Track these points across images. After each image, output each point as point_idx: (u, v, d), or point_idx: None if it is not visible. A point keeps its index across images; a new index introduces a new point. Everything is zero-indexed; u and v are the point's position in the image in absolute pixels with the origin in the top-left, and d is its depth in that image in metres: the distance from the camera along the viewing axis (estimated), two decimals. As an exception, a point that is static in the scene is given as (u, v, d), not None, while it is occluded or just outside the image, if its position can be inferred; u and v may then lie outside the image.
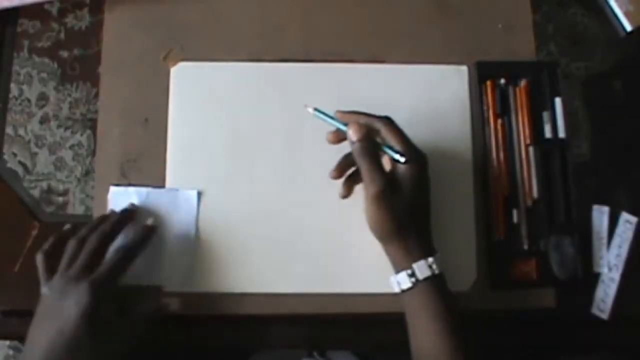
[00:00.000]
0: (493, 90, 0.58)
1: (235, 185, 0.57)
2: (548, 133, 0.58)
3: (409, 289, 0.48)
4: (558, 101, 0.58)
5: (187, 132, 0.57)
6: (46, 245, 0.52)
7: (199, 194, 0.56)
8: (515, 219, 0.56)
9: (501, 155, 0.57)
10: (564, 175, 0.57)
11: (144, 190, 0.56)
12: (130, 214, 0.54)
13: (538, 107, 0.58)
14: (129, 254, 0.51)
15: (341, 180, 0.53)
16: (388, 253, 0.50)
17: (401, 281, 0.48)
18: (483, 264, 0.56)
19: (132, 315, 0.51)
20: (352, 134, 0.48)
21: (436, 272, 0.48)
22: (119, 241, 0.52)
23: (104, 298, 0.48)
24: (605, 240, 0.57)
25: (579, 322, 0.56)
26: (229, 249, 0.55)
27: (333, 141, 0.52)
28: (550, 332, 0.56)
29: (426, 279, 0.47)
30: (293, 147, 0.57)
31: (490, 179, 0.57)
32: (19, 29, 0.60)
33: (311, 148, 0.57)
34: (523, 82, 0.59)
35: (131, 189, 0.56)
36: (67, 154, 0.57)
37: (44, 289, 0.49)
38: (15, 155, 0.57)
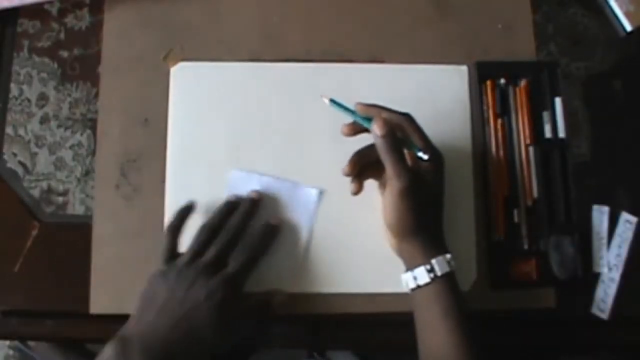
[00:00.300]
0: (493, 90, 0.58)
1: (235, 185, 0.57)
2: (548, 133, 0.58)
3: (426, 284, 0.48)
4: (558, 101, 0.58)
5: (187, 132, 0.57)
6: (174, 221, 0.52)
7: (321, 193, 0.56)
8: (515, 219, 0.56)
9: (501, 155, 0.57)
10: (564, 175, 0.57)
11: (265, 178, 0.56)
12: (257, 204, 0.54)
13: (538, 107, 0.58)
14: (258, 252, 0.52)
15: (346, 179, 0.52)
16: (404, 249, 0.50)
17: (419, 276, 0.48)
18: (483, 264, 0.56)
19: (248, 312, 0.51)
20: (378, 128, 0.47)
21: (454, 268, 0.48)
22: (247, 236, 0.53)
23: (234, 294, 0.49)
24: (605, 240, 0.57)
25: (579, 322, 0.56)
26: (229, 249, 0.55)
27: (348, 134, 0.51)
28: (550, 332, 0.56)
29: (443, 275, 0.47)
30: (293, 147, 0.57)
31: (490, 179, 0.57)
32: (19, 29, 0.60)
33: (311, 148, 0.57)
34: (523, 82, 0.59)
35: (254, 175, 0.56)
36: (67, 154, 0.57)
37: (164, 268, 0.50)
38: (15, 155, 0.57)
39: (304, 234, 0.55)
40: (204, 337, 0.47)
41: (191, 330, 0.47)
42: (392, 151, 0.47)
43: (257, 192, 0.55)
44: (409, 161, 0.49)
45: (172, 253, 0.51)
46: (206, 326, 0.47)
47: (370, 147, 0.50)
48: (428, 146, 0.49)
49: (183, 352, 0.47)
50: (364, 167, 0.52)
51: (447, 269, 0.48)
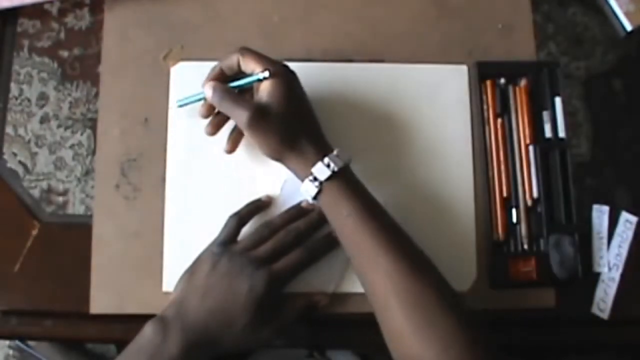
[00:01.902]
0: (493, 90, 0.58)
1: (235, 185, 0.56)
2: (548, 133, 0.58)
3: (318, 193, 0.48)
4: (558, 101, 0.58)
5: (187, 132, 0.57)
6: (243, 211, 0.54)
7: None
8: (515, 219, 0.56)
9: (501, 155, 0.57)
10: (564, 175, 0.57)
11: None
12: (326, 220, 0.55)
13: (538, 107, 0.58)
14: (311, 258, 0.53)
15: None
16: (288, 168, 0.50)
17: (308, 189, 0.48)
18: (483, 264, 0.56)
19: (285, 308, 0.52)
20: (207, 91, 0.50)
21: (335, 169, 0.47)
22: (307, 242, 0.53)
23: (276, 291, 0.50)
24: (605, 240, 0.57)
25: (579, 322, 0.56)
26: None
27: (204, 114, 0.53)
28: (550, 332, 0.56)
29: (328, 178, 0.47)
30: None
31: (490, 179, 0.57)
32: (19, 29, 0.60)
33: (311, 148, 0.57)
34: (523, 82, 0.59)
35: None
36: (67, 154, 0.57)
37: (217, 250, 0.51)
38: (15, 155, 0.57)
39: None
40: (238, 326, 0.48)
41: (227, 319, 0.48)
42: (225, 99, 0.49)
43: None
44: (250, 97, 0.51)
45: (230, 239, 0.52)
46: (242, 317, 0.48)
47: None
48: (270, 64, 0.49)
49: (218, 338, 0.48)
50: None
51: (328, 172, 0.47)
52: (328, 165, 0.48)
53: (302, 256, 0.52)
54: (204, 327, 0.48)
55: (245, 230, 0.54)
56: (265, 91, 0.49)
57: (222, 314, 0.48)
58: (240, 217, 0.53)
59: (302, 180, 0.49)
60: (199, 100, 0.53)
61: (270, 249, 0.51)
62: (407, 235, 0.48)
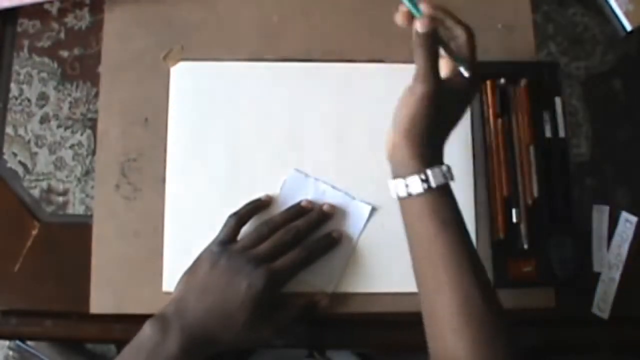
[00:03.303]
0: (493, 90, 0.58)
1: (235, 184, 0.57)
2: (548, 133, 0.58)
3: (418, 194, 0.45)
4: (558, 101, 0.58)
5: (187, 132, 0.57)
6: (242, 211, 0.54)
7: (373, 210, 0.56)
8: (515, 219, 0.56)
9: (501, 155, 0.57)
10: (564, 175, 0.57)
11: (322, 185, 0.56)
12: (328, 217, 0.55)
13: (538, 107, 0.58)
14: (311, 257, 0.53)
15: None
16: (399, 153, 0.46)
17: (411, 184, 0.45)
18: (483, 264, 0.56)
19: (286, 307, 0.52)
20: (420, 25, 0.44)
21: (450, 180, 0.45)
22: (306, 240, 0.53)
23: (275, 289, 0.50)
24: (605, 240, 0.57)
25: (579, 322, 0.56)
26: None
27: (402, 22, 0.46)
28: (550, 332, 0.56)
29: (438, 187, 0.45)
30: (294, 147, 0.57)
31: (490, 178, 0.57)
32: (19, 29, 0.60)
33: (312, 147, 0.57)
34: (523, 82, 0.59)
35: (310, 180, 0.56)
36: (67, 154, 0.57)
37: (216, 249, 0.51)
38: (15, 155, 0.57)
39: (350, 243, 0.55)
40: (237, 324, 0.48)
41: (226, 316, 0.48)
42: (426, 51, 0.45)
43: (331, 205, 0.55)
44: (445, 70, 0.47)
45: (229, 238, 0.52)
46: (240, 314, 0.48)
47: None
48: (474, 66, 0.47)
49: (217, 336, 0.48)
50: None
51: (442, 180, 0.45)
52: (445, 175, 0.45)
53: (301, 255, 0.52)
54: (203, 326, 0.48)
55: (245, 229, 0.54)
56: (457, 83, 0.46)
57: (220, 312, 0.48)
58: (240, 217, 0.53)
59: (402, 174, 0.46)
60: (408, 6, 0.45)
61: (270, 248, 0.51)
62: (481, 261, 0.46)
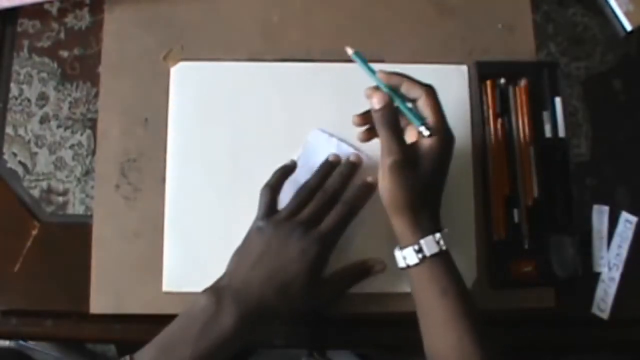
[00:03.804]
0: (493, 90, 0.58)
1: (235, 185, 0.57)
2: (548, 133, 0.58)
3: (416, 265, 0.47)
4: (558, 101, 0.58)
5: (187, 132, 0.57)
6: (272, 180, 0.53)
7: None
8: (515, 219, 0.56)
9: (501, 155, 0.57)
10: (564, 175, 0.57)
11: (344, 145, 0.56)
12: (357, 166, 0.55)
13: (538, 107, 0.58)
14: (353, 210, 0.52)
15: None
16: (395, 226, 0.48)
17: (407, 256, 0.47)
18: (483, 264, 0.56)
19: (337, 274, 0.52)
20: (376, 102, 0.48)
21: (443, 248, 0.47)
22: (343, 196, 0.53)
23: (327, 251, 0.50)
24: (605, 240, 0.57)
25: (579, 322, 0.56)
26: (226, 248, 0.55)
27: (359, 124, 0.52)
28: (550, 332, 0.56)
29: (433, 255, 0.46)
30: (293, 147, 0.57)
31: (490, 179, 0.57)
32: (19, 29, 0.60)
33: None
34: (523, 82, 0.59)
35: (333, 139, 0.56)
36: (67, 154, 0.57)
37: (261, 223, 0.51)
38: (15, 155, 0.57)
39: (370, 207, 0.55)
40: (294, 292, 0.48)
41: (283, 285, 0.48)
42: (387, 126, 0.47)
43: (357, 154, 0.55)
44: (410, 137, 0.49)
45: (270, 210, 0.52)
46: (296, 281, 0.48)
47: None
48: (439, 123, 0.47)
49: (274, 306, 0.48)
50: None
51: (435, 249, 0.46)
52: (438, 242, 0.46)
53: (344, 211, 0.51)
54: (258, 298, 0.47)
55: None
56: (426, 145, 0.47)
57: (276, 282, 0.48)
58: (272, 186, 0.53)
59: (403, 245, 0.48)
60: (371, 76, 0.49)
61: (313, 211, 0.51)
62: (484, 320, 0.47)
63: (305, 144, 0.57)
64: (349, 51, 0.50)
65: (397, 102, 0.48)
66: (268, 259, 0.49)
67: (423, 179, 0.47)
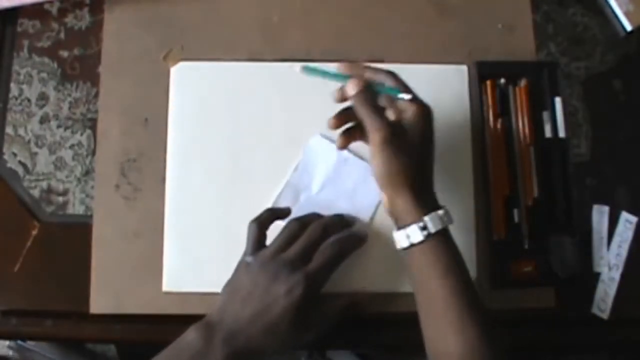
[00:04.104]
0: (493, 90, 0.58)
1: (235, 185, 0.57)
2: (548, 133, 0.58)
3: (420, 242, 0.46)
4: (558, 101, 0.58)
5: (187, 132, 0.57)
6: (263, 216, 0.52)
7: None
8: (515, 219, 0.56)
9: (501, 155, 0.57)
10: (564, 175, 0.57)
11: (345, 153, 0.56)
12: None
13: (538, 107, 0.58)
14: (344, 253, 0.52)
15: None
16: (395, 206, 0.47)
17: (411, 234, 0.46)
18: (483, 264, 0.56)
19: (326, 309, 0.51)
20: (351, 87, 0.47)
21: (447, 224, 0.46)
22: (335, 238, 0.52)
23: (314, 292, 0.49)
24: (605, 240, 0.57)
25: (579, 322, 0.56)
26: (226, 248, 0.55)
27: (340, 99, 0.50)
28: (550, 332, 0.56)
29: (437, 232, 0.46)
30: (293, 147, 0.57)
31: (490, 179, 0.57)
32: (19, 29, 0.60)
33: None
34: (523, 82, 0.59)
35: (333, 146, 0.55)
36: (67, 154, 0.57)
37: (249, 259, 0.50)
38: (15, 155, 0.57)
39: (364, 217, 0.55)
40: (280, 331, 0.48)
41: (269, 324, 0.47)
42: (367, 105, 0.47)
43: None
44: (392, 115, 0.48)
45: (258, 245, 0.51)
46: (283, 321, 0.47)
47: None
48: (414, 94, 0.48)
49: (262, 344, 0.47)
50: (355, 127, 0.51)
51: (440, 225, 0.46)
52: (442, 218, 0.46)
53: (334, 251, 0.51)
54: (246, 336, 0.47)
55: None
56: (408, 118, 0.47)
57: (263, 321, 0.47)
58: (260, 223, 0.52)
59: (402, 225, 0.47)
60: (329, 78, 0.49)
61: (301, 249, 0.50)
62: (484, 305, 0.47)
63: (306, 149, 0.57)
64: (297, 69, 0.49)
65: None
66: (255, 298, 0.48)
67: (415, 151, 0.47)
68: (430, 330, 0.47)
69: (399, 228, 0.47)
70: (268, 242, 0.52)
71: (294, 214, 0.54)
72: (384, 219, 0.54)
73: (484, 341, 0.44)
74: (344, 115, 0.51)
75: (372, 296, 0.55)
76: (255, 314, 0.47)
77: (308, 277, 0.48)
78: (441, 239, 0.46)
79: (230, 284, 0.51)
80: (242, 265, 0.51)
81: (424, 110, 0.48)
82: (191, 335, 0.46)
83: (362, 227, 0.55)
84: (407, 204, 0.46)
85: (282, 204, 0.55)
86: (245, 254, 0.52)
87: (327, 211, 0.55)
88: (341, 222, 0.54)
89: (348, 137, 0.52)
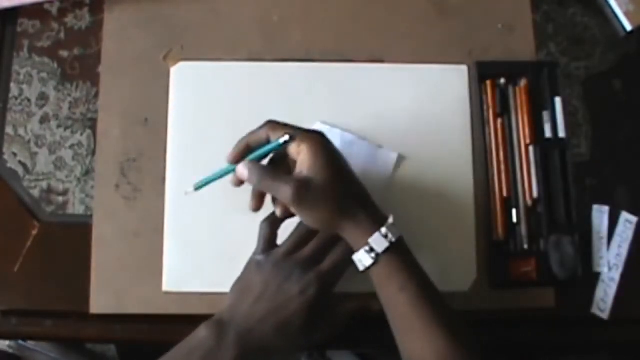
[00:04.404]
0: (493, 90, 0.58)
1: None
2: (548, 133, 0.58)
3: (373, 264, 0.46)
4: (558, 101, 0.58)
5: (187, 132, 0.57)
6: (273, 215, 0.52)
7: (399, 158, 0.56)
8: (515, 219, 0.56)
9: (501, 155, 0.57)
10: (564, 175, 0.57)
11: (348, 136, 0.55)
12: None
13: (538, 107, 0.58)
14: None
15: None
16: (344, 237, 0.48)
17: (363, 259, 0.46)
18: (483, 264, 0.56)
19: (339, 310, 0.51)
20: (242, 172, 0.48)
21: (393, 240, 0.46)
22: None
23: (327, 292, 0.49)
24: (605, 240, 0.57)
25: (579, 322, 0.56)
26: (224, 248, 0.55)
27: (237, 184, 0.50)
28: (550, 332, 0.56)
29: (386, 250, 0.46)
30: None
31: (490, 179, 0.57)
32: (19, 29, 0.60)
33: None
34: (523, 82, 0.59)
35: (336, 130, 0.55)
36: (67, 154, 0.57)
37: (261, 258, 0.50)
38: (15, 155, 0.57)
39: (381, 195, 0.53)
40: (292, 331, 0.47)
41: (282, 324, 0.47)
42: (263, 176, 0.47)
43: None
44: (290, 168, 0.48)
45: (269, 245, 0.51)
46: (295, 321, 0.47)
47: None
48: (296, 132, 0.47)
49: (273, 343, 0.47)
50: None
51: (385, 244, 0.46)
52: (385, 236, 0.46)
53: (347, 250, 0.50)
54: (258, 334, 0.47)
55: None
56: (303, 164, 0.46)
57: (275, 320, 0.47)
58: (272, 221, 0.52)
59: (356, 250, 0.47)
60: (221, 177, 0.50)
61: (314, 248, 0.50)
62: (451, 308, 0.47)
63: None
64: (190, 190, 0.50)
65: (250, 157, 0.48)
66: (267, 297, 0.48)
67: (328, 185, 0.46)
68: (403, 346, 0.47)
69: (357, 250, 0.47)
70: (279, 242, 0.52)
71: None
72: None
73: (455, 347, 0.44)
74: (257, 195, 0.51)
75: (371, 296, 0.54)
76: (267, 314, 0.47)
77: (321, 277, 0.48)
78: (392, 255, 0.46)
79: (240, 283, 0.50)
80: (252, 264, 0.51)
81: (311, 142, 0.46)
82: (202, 334, 0.46)
83: None
84: (349, 234, 0.47)
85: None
86: (255, 253, 0.51)
87: None
88: None
89: (258, 200, 0.51)
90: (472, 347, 0.46)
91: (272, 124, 0.48)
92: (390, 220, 0.47)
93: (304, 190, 0.45)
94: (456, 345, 0.45)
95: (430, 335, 0.45)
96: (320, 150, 0.47)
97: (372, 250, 0.46)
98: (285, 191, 0.45)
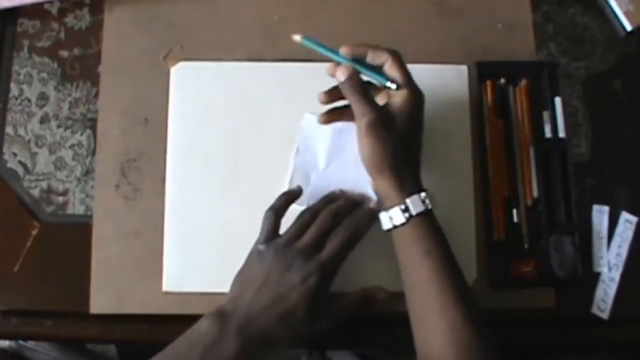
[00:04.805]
0: (493, 90, 0.58)
1: (235, 185, 0.57)
2: (548, 133, 0.58)
3: (402, 224, 0.47)
4: (558, 101, 0.59)
5: (187, 132, 0.57)
6: (277, 204, 0.52)
7: None
8: (515, 219, 0.56)
9: (501, 155, 0.57)
10: (564, 175, 0.57)
11: (338, 124, 0.55)
12: (366, 198, 0.54)
13: (538, 107, 0.58)
14: (355, 237, 0.51)
15: None
16: (379, 188, 0.49)
17: (394, 217, 0.47)
18: (483, 264, 0.56)
19: (342, 300, 0.51)
20: (340, 74, 0.49)
21: (429, 207, 0.47)
22: (346, 221, 0.52)
23: (329, 279, 0.49)
24: (605, 240, 0.57)
25: (579, 322, 0.56)
26: (226, 248, 0.55)
27: (325, 101, 0.52)
28: (550, 332, 0.56)
29: (419, 214, 0.47)
30: (293, 147, 0.57)
31: (490, 179, 0.57)
32: (19, 29, 0.60)
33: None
34: (523, 82, 0.59)
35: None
36: (67, 154, 0.57)
37: (262, 247, 0.50)
38: (15, 155, 0.57)
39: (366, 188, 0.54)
40: (295, 320, 0.48)
41: (284, 314, 0.47)
42: (355, 90, 0.48)
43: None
44: (381, 100, 0.49)
45: (272, 234, 0.51)
46: (298, 310, 0.47)
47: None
48: (407, 81, 0.48)
49: (276, 333, 0.47)
50: (344, 109, 0.52)
51: (421, 208, 0.47)
52: (424, 201, 0.47)
53: (345, 237, 0.50)
54: (261, 324, 0.47)
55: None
56: (397, 102, 0.48)
57: (278, 309, 0.47)
58: (276, 211, 0.52)
59: (386, 206, 0.48)
60: (328, 54, 0.50)
61: (314, 236, 0.50)
62: (467, 283, 0.48)
63: (300, 130, 0.56)
64: (297, 38, 0.50)
65: (361, 70, 0.49)
66: (269, 287, 0.48)
67: (400, 135, 0.48)
68: (415, 310, 0.48)
69: (384, 210, 0.48)
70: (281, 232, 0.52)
71: (309, 195, 0.54)
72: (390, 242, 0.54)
73: (466, 321, 0.45)
74: (336, 92, 0.51)
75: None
76: (269, 303, 0.47)
77: (322, 265, 0.49)
78: (423, 221, 0.47)
79: (242, 273, 0.51)
80: (254, 254, 0.51)
81: (413, 96, 0.48)
82: (204, 325, 0.47)
83: (372, 204, 0.53)
84: (390, 187, 0.48)
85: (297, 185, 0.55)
86: (257, 243, 0.51)
87: (340, 184, 0.55)
88: (350, 204, 0.53)
89: (334, 116, 0.53)
90: (481, 326, 0.46)
91: (397, 59, 0.49)
92: (429, 191, 0.48)
93: (384, 122, 0.47)
94: (468, 320, 0.45)
95: (446, 304, 0.45)
96: (418, 105, 0.49)
97: (406, 210, 0.47)
98: (367, 113, 0.47)
